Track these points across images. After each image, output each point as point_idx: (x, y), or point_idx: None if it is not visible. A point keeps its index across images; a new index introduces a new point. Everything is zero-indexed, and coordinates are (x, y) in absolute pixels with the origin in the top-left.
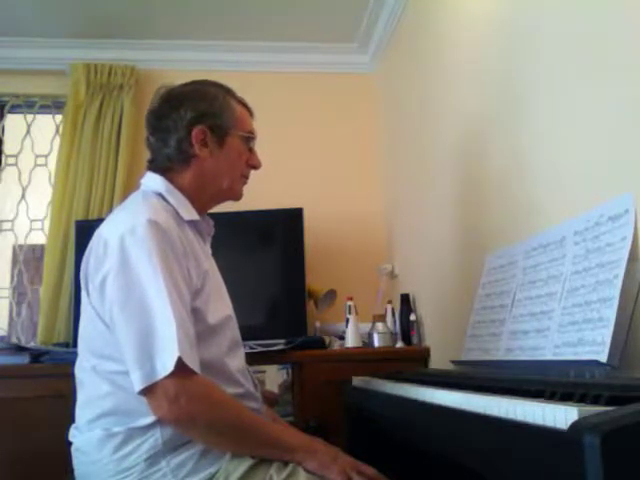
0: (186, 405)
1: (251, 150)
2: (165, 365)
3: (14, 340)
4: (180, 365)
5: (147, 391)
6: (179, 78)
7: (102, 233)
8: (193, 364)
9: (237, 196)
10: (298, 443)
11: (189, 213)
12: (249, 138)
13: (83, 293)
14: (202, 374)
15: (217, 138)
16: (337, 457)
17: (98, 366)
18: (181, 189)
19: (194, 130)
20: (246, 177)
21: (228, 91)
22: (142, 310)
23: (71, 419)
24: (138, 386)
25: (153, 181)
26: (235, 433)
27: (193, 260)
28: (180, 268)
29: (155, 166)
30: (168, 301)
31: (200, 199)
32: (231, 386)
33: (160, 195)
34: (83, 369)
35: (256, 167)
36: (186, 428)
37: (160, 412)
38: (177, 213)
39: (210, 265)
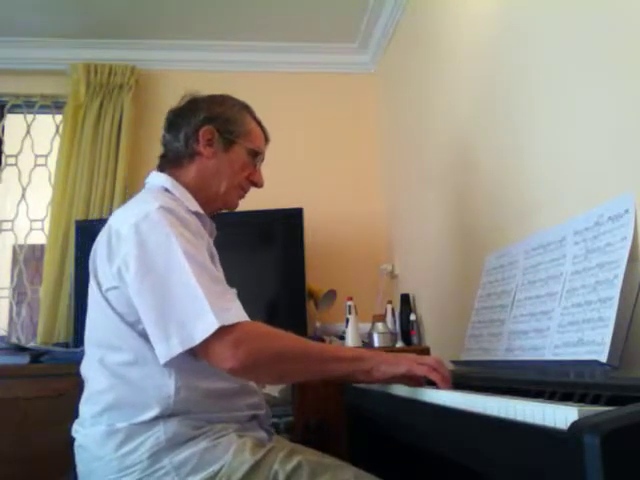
0: (247, 345)
1: (255, 167)
2: (214, 323)
3: (14, 340)
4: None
5: (207, 349)
6: (179, 78)
7: (112, 225)
8: (236, 314)
9: (232, 204)
10: (361, 352)
11: (194, 206)
12: (256, 153)
13: (92, 285)
14: (197, 362)
15: (224, 142)
16: (399, 355)
17: (105, 358)
18: (185, 185)
19: (202, 128)
20: (245, 190)
21: (247, 108)
22: (173, 279)
23: (71, 419)
24: (199, 339)
25: (158, 178)
26: (303, 355)
27: (206, 243)
28: (198, 243)
29: (165, 161)
30: (195, 269)
31: (200, 199)
32: (226, 380)
33: (166, 190)
34: (89, 364)
35: (257, 184)
36: (257, 367)
37: (227, 363)
38: (183, 205)
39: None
